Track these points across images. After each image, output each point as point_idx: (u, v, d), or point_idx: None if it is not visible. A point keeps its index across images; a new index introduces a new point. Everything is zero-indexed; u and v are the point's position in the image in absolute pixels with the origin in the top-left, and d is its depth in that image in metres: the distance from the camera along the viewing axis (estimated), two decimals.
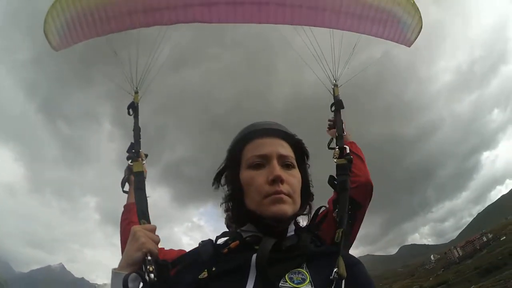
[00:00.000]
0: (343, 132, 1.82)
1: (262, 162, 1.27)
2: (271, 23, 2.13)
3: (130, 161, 1.76)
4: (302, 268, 1.13)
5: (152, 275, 1.22)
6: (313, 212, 1.40)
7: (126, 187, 2.04)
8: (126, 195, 2.07)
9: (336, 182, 1.65)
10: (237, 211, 1.31)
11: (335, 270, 1.11)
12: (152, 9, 2.03)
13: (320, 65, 1.96)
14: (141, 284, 1.23)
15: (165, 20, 2.06)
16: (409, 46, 2.45)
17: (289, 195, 1.22)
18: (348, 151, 1.75)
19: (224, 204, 1.37)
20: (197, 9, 2.10)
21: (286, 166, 1.28)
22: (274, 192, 1.20)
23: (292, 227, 1.30)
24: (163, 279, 1.24)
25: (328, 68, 1.95)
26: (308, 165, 1.42)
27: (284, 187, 1.21)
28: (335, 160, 1.68)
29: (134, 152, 1.76)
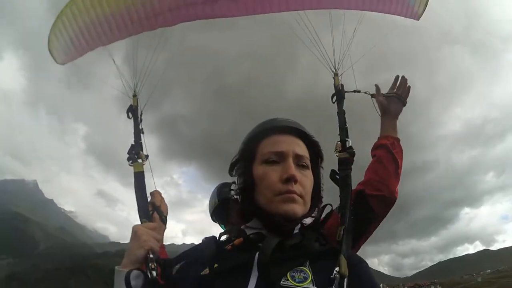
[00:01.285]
0: (346, 124, 1.74)
1: (278, 159, 1.27)
2: (272, 11, 2.06)
3: (130, 162, 1.78)
4: (305, 266, 1.12)
5: (154, 273, 1.26)
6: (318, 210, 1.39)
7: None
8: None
9: (337, 177, 1.61)
10: (246, 205, 1.31)
11: (336, 269, 1.10)
12: (155, 14, 2.02)
13: (319, 52, 1.89)
14: (144, 281, 1.26)
15: (168, 22, 2.05)
16: (418, 19, 2.30)
17: (301, 196, 1.23)
18: (349, 144, 1.68)
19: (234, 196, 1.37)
20: (199, 7, 2.05)
21: (301, 166, 1.28)
22: (287, 191, 1.21)
23: (298, 225, 1.30)
24: (165, 276, 1.27)
25: (327, 56, 1.87)
26: (322, 168, 1.41)
27: (297, 187, 1.22)
28: (337, 154, 1.63)
29: (134, 153, 1.80)
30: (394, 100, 2.05)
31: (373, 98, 2.10)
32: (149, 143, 1.86)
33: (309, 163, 1.32)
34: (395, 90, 2.07)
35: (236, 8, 2.13)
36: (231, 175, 1.42)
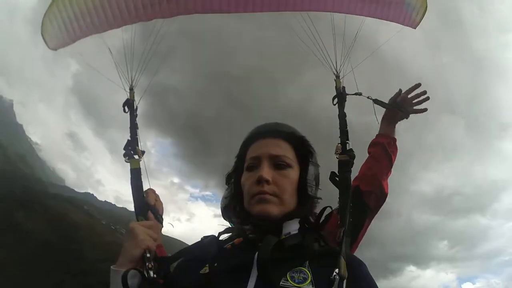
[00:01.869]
0: (346, 126, 1.76)
1: (255, 164, 1.31)
2: (269, 10, 2.04)
3: (126, 158, 1.73)
4: (305, 267, 1.12)
5: (151, 272, 1.23)
6: (314, 211, 1.39)
7: None
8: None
9: (337, 179, 1.60)
10: (238, 210, 1.37)
11: (335, 270, 1.10)
12: (152, 4, 1.96)
13: (321, 55, 1.89)
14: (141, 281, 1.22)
15: (165, 13, 1.99)
16: (415, 28, 2.34)
17: (275, 195, 1.24)
18: (350, 147, 1.68)
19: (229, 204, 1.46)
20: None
21: (278, 166, 1.29)
22: (258, 192, 1.24)
23: (296, 226, 1.29)
24: (162, 276, 1.25)
25: (329, 59, 1.87)
26: (313, 163, 1.39)
27: (269, 187, 1.24)
28: (337, 156, 1.63)
29: (131, 149, 1.75)
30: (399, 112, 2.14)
31: (374, 104, 2.14)
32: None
33: (290, 161, 1.32)
34: (399, 101, 2.13)
35: (234, 4, 2.11)
36: (227, 184, 1.50)
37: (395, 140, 2.07)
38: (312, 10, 2.07)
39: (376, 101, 2.11)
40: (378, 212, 1.99)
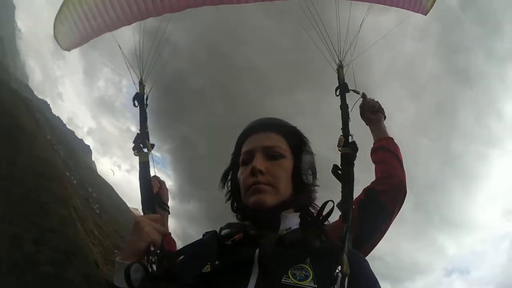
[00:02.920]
0: (349, 118, 1.71)
1: (249, 157, 1.34)
2: None
3: (136, 151, 1.74)
4: (306, 264, 1.11)
5: (154, 266, 1.24)
6: (314, 203, 1.40)
7: None
8: None
9: (340, 172, 1.59)
10: (237, 206, 1.41)
11: (338, 267, 1.09)
12: None
13: (323, 43, 1.86)
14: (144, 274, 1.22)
15: (174, 7, 2.02)
16: (425, 14, 2.27)
17: (269, 185, 1.25)
18: (352, 139, 1.66)
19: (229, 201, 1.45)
20: None
21: (272, 157, 1.31)
22: (253, 183, 1.25)
23: (296, 221, 1.29)
24: (165, 271, 1.25)
25: (332, 47, 1.84)
26: (308, 152, 1.40)
27: (263, 177, 1.25)
28: (339, 149, 1.61)
29: (140, 142, 1.76)
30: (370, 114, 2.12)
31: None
32: None
33: (283, 152, 1.33)
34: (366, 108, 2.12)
35: None
36: (222, 186, 1.48)
37: (391, 138, 2.03)
38: None
39: (364, 98, 2.11)
40: None
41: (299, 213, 1.32)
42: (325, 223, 1.32)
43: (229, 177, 1.46)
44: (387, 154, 1.94)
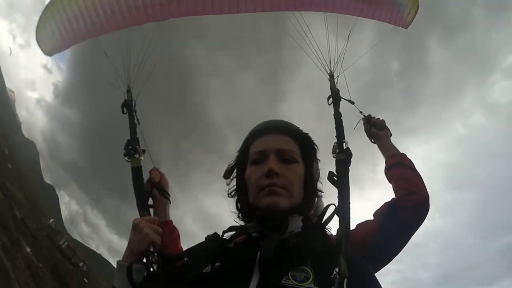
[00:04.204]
0: (342, 126, 1.73)
1: (261, 158, 1.31)
2: (262, 11, 2.07)
3: (127, 157, 1.76)
4: (307, 266, 1.12)
5: (154, 266, 1.25)
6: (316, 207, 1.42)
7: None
8: None
9: (335, 179, 1.58)
10: (241, 205, 1.37)
11: (335, 269, 1.10)
12: (144, 6, 1.97)
13: (315, 55, 1.91)
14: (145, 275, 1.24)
15: (157, 16, 2.00)
16: (406, 28, 2.38)
17: (284, 188, 1.25)
18: (347, 146, 1.67)
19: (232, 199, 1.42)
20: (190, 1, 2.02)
21: (285, 160, 1.31)
22: (268, 185, 1.24)
23: (299, 224, 1.29)
24: (166, 271, 1.26)
25: (323, 58, 1.89)
26: (316, 160, 1.42)
27: (279, 180, 1.24)
28: (334, 155, 1.62)
29: (131, 148, 1.78)
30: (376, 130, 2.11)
31: (364, 120, 2.15)
32: None
33: (296, 157, 1.33)
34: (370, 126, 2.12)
35: (219, 6, 2.12)
36: (226, 179, 1.47)
37: (404, 154, 1.96)
38: (306, 10, 2.10)
39: (368, 119, 2.11)
40: None
41: (301, 217, 1.32)
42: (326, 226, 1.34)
43: (234, 174, 1.44)
44: (405, 170, 1.87)
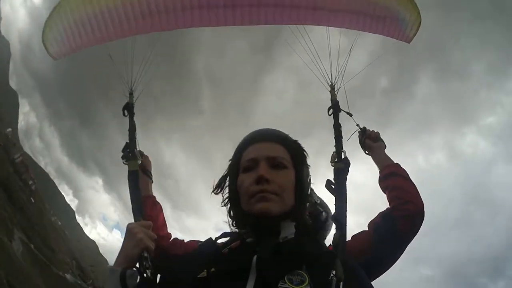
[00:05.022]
0: (341, 136, 1.75)
1: (252, 165, 1.34)
2: (265, 23, 2.10)
3: (125, 160, 1.78)
4: (302, 270, 1.13)
5: (148, 272, 1.26)
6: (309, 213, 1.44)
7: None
8: None
9: (333, 187, 1.60)
10: (234, 213, 1.39)
11: (332, 272, 1.12)
12: (151, 14, 2.00)
13: (316, 67, 1.94)
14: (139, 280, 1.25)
15: (163, 25, 2.03)
16: (409, 42, 2.40)
17: (275, 193, 1.26)
18: (345, 155, 1.69)
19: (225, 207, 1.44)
20: (196, 12, 2.05)
21: (276, 167, 1.33)
22: (258, 191, 1.26)
23: (291, 230, 1.31)
24: (159, 276, 1.28)
25: (324, 71, 1.92)
26: (307, 165, 1.45)
27: (269, 186, 1.26)
28: (332, 164, 1.65)
29: (129, 151, 1.80)
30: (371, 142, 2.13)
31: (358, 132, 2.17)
32: None
33: (286, 163, 1.36)
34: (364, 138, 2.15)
35: (232, 18, 2.16)
36: (216, 193, 1.49)
37: (399, 164, 1.96)
38: (308, 24, 2.14)
39: (363, 131, 2.13)
40: None
41: (294, 223, 1.33)
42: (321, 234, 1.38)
43: (227, 183, 1.47)
44: (399, 180, 1.86)
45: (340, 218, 1.49)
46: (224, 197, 1.45)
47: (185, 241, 1.91)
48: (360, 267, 1.25)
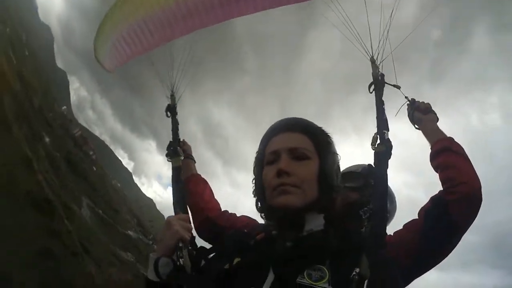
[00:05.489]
0: (384, 115, 1.61)
1: (274, 158, 1.33)
2: (297, 2, 2.00)
3: (168, 157, 1.97)
4: (324, 265, 1.11)
5: (181, 261, 1.34)
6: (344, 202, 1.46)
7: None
8: None
9: (373, 172, 1.55)
10: (261, 205, 1.39)
11: (356, 269, 1.07)
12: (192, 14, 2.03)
13: (355, 39, 1.81)
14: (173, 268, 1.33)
15: (204, 23, 2.03)
16: None
17: (295, 186, 1.24)
18: (387, 136, 1.56)
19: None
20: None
21: (298, 158, 1.30)
22: (279, 184, 1.26)
23: (320, 222, 1.29)
24: (193, 266, 1.36)
25: (364, 43, 1.78)
26: (332, 153, 1.38)
27: (290, 179, 1.25)
28: (373, 147, 1.55)
29: (172, 149, 1.98)
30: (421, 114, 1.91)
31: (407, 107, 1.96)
32: None
33: (308, 153, 1.32)
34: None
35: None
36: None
37: (452, 138, 1.73)
38: None
39: (412, 103, 1.92)
40: None
41: (323, 215, 1.31)
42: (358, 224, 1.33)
43: (254, 176, 1.46)
44: (453, 156, 1.65)
45: (377, 208, 1.43)
46: (252, 190, 1.44)
47: (236, 215, 1.90)
48: (394, 266, 1.21)
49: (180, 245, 1.36)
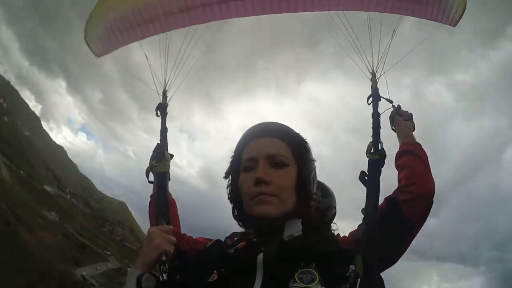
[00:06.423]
0: (379, 126, 1.72)
1: (252, 164, 1.30)
2: (303, 11, 2.06)
3: (154, 161, 1.79)
4: (312, 268, 1.12)
5: (165, 275, 1.29)
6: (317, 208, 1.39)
7: (151, 177, 1.93)
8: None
9: (366, 178, 1.58)
10: (238, 213, 1.37)
11: (352, 267, 1.09)
12: (188, 9, 2.02)
13: (357, 54, 1.88)
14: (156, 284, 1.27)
15: (201, 18, 2.04)
16: (454, 26, 2.26)
17: (274, 195, 1.23)
18: (382, 146, 1.65)
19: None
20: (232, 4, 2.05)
21: (276, 165, 1.28)
22: (257, 194, 1.23)
23: (298, 227, 1.29)
24: (174, 280, 1.30)
25: (365, 58, 1.86)
26: (310, 160, 1.38)
27: (268, 188, 1.23)
28: (367, 155, 1.60)
29: (160, 152, 1.81)
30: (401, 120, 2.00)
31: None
32: None
33: (286, 160, 1.30)
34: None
35: (261, 7, 2.13)
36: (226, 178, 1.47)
37: (419, 144, 1.85)
38: (350, 10, 2.07)
39: (397, 109, 2.01)
40: None
41: (301, 220, 1.31)
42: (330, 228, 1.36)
43: (229, 182, 1.43)
44: (412, 158, 1.76)
45: (369, 213, 1.46)
46: (227, 196, 1.41)
47: (193, 237, 1.87)
48: (378, 272, 1.21)
49: (163, 259, 1.30)
